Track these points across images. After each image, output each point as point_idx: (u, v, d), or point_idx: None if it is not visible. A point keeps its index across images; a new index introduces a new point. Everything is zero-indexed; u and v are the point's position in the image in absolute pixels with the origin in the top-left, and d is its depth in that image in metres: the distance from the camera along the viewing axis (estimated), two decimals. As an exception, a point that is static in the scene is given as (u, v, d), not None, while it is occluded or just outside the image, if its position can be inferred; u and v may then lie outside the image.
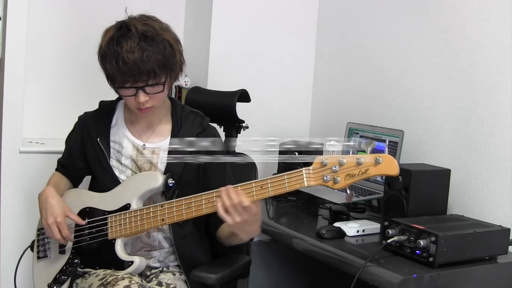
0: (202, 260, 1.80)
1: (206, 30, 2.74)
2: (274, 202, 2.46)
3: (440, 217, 1.95)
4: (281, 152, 2.52)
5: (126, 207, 1.73)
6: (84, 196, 1.83)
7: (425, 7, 2.35)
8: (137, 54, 1.62)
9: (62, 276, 1.79)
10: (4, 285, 2.31)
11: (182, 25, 2.92)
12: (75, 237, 1.78)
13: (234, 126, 2.36)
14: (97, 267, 1.74)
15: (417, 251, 1.68)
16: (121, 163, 1.80)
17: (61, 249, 1.83)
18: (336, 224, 2.00)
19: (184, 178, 1.77)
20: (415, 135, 2.35)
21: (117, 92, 1.77)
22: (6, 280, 2.30)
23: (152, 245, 1.78)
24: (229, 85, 2.49)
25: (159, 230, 1.78)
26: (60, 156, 1.97)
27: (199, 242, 1.83)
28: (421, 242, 1.66)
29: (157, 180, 1.73)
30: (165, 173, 1.75)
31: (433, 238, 1.65)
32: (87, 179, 1.94)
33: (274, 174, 2.63)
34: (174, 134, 1.81)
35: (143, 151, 1.80)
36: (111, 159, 1.79)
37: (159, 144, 1.81)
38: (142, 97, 1.68)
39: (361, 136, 2.47)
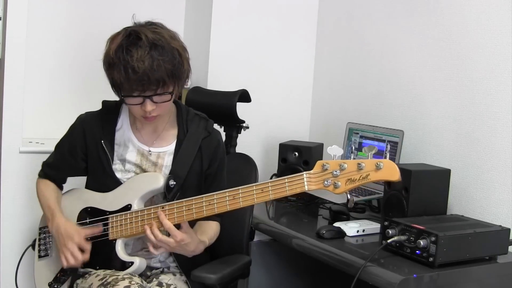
0: (200, 261, 1.79)
1: (206, 30, 2.74)
2: (274, 202, 2.46)
3: (440, 217, 1.95)
4: (280, 152, 2.52)
5: (127, 207, 1.73)
6: (86, 196, 1.83)
7: (425, 7, 2.35)
8: (148, 63, 1.59)
9: (63, 276, 1.79)
10: (5, 284, 2.31)
11: (182, 25, 2.92)
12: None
13: (235, 126, 2.36)
14: (98, 267, 1.74)
15: (417, 251, 1.68)
16: (124, 167, 1.79)
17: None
18: (336, 224, 2.00)
19: (188, 182, 1.77)
20: (415, 135, 2.35)
21: (122, 100, 1.75)
22: (7, 280, 2.30)
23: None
24: (229, 85, 2.49)
25: (160, 231, 1.78)
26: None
27: None
28: (421, 242, 1.66)
29: (159, 181, 1.73)
30: (170, 175, 1.75)
31: (433, 238, 1.65)
32: (80, 179, 1.93)
33: (274, 174, 2.66)
34: (180, 138, 1.80)
35: (149, 156, 1.80)
36: (114, 162, 1.79)
37: (164, 149, 1.80)
38: (149, 106, 1.66)
39: (361, 136, 2.47)
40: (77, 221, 1.80)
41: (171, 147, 1.80)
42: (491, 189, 2.05)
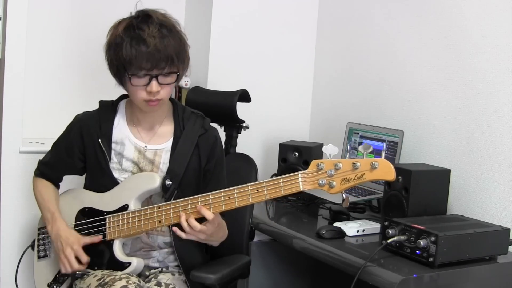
0: (201, 261, 1.80)
1: (206, 30, 2.74)
2: (274, 202, 2.46)
3: (440, 217, 1.95)
4: (280, 152, 2.52)
5: (124, 207, 1.73)
6: (83, 196, 1.83)
7: (425, 7, 2.35)
8: (158, 40, 1.63)
9: (62, 276, 1.79)
10: (5, 284, 2.31)
11: (182, 25, 2.91)
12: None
13: (235, 126, 2.36)
14: (96, 268, 1.74)
15: (417, 251, 1.68)
16: (121, 165, 1.79)
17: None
18: (336, 224, 2.00)
19: (186, 180, 1.77)
20: (415, 135, 2.35)
21: (123, 85, 1.73)
22: (7, 280, 2.30)
23: (152, 245, 1.78)
24: (229, 85, 2.49)
25: (158, 231, 1.78)
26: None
27: (199, 243, 1.83)
28: (421, 242, 1.66)
29: (155, 181, 1.73)
30: (166, 174, 1.75)
31: (433, 238, 1.65)
32: (78, 179, 1.93)
33: (274, 174, 2.66)
34: (177, 135, 1.80)
35: (145, 153, 1.80)
36: (111, 161, 1.79)
37: (161, 146, 1.80)
38: (155, 86, 1.66)
39: (361, 136, 2.47)
40: (75, 221, 1.80)
41: (168, 144, 1.80)
42: (491, 189, 2.05)
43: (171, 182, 1.73)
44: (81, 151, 1.83)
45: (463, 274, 1.70)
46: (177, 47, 1.68)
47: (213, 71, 2.73)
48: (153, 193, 1.76)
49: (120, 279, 1.59)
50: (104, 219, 1.75)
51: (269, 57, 2.87)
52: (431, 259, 1.65)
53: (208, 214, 1.60)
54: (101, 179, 1.79)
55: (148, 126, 1.82)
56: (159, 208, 1.68)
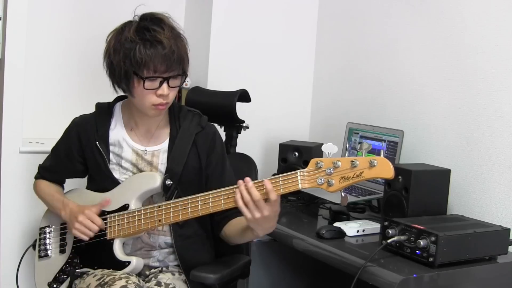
0: (204, 261, 1.79)
1: (206, 30, 2.74)
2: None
3: (440, 217, 1.95)
4: (280, 152, 2.52)
5: (125, 207, 1.73)
6: (85, 196, 1.83)
7: (425, 7, 2.35)
8: (173, 41, 1.64)
9: (62, 276, 1.80)
10: (6, 284, 2.31)
11: (182, 25, 2.92)
12: (75, 237, 1.78)
13: (234, 126, 2.36)
14: (96, 267, 1.74)
15: (417, 251, 1.68)
16: (121, 166, 1.79)
17: (62, 248, 1.84)
18: (336, 224, 2.00)
19: (185, 178, 1.77)
20: (415, 135, 2.35)
21: (129, 90, 1.69)
22: (7, 280, 2.30)
23: (152, 245, 1.78)
24: (229, 85, 2.49)
25: (159, 231, 1.78)
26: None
27: (203, 243, 1.83)
28: (421, 242, 1.66)
29: (156, 180, 1.73)
30: (165, 174, 1.75)
31: (433, 238, 1.65)
32: (80, 179, 1.94)
33: (274, 174, 2.65)
34: (173, 135, 1.81)
35: (144, 156, 1.80)
36: (110, 163, 1.79)
37: (158, 147, 1.80)
38: (166, 89, 1.66)
39: (361, 136, 2.47)
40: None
41: (165, 145, 1.80)
42: (491, 189, 2.05)
43: (171, 182, 1.73)
44: (80, 154, 1.84)
45: (463, 274, 1.70)
46: (185, 49, 1.70)
47: (213, 71, 2.73)
48: (154, 193, 1.76)
49: (120, 278, 1.59)
50: (105, 219, 1.75)
51: (269, 57, 2.87)
52: (431, 259, 1.65)
53: (273, 195, 1.51)
54: (102, 181, 1.79)
55: (145, 129, 1.82)
56: (159, 207, 1.68)
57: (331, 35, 2.89)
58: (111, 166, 1.78)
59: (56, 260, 1.83)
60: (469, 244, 1.72)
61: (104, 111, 1.84)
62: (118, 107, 1.85)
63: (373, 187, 2.34)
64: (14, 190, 2.34)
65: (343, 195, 1.54)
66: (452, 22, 2.23)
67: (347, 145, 2.52)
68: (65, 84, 2.67)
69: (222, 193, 1.59)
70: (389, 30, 2.53)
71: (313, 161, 1.50)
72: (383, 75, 2.55)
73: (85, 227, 1.71)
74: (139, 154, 1.80)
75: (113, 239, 1.73)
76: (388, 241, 1.74)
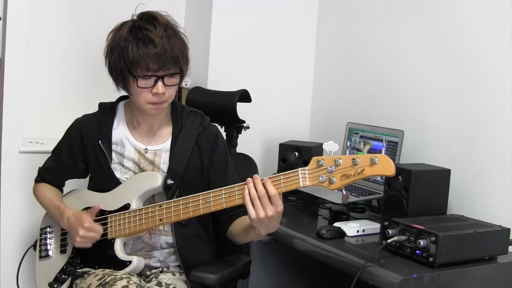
0: (205, 261, 1.79)
1: (206, 30, 2.74)
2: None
3: (440, 217, 1.95)
4: (280, 152, 2.52)
5: (126, 207, 1.73)
6: (86, 196, 1.84)
7: (425, 7, 2.35)
8: (165, 40, 1.64)
9: (63, 275, 1.80)
10: (6, 285, 2.31)
11: (182, 25, 2.91)
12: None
13: (235, 126, 2.36)
14: (97, 267, 1.74)
15: (417, 251, 1.68)
16: (123, 165, 1.79)
17: (62, 248, 1.84)
18: (336, 224, 2.00)
19: (187, 178, 1.77)
20: (415, 135, 2.35)
21: (126, 88, 1.72)
22: (8, 280, 2.30)
23: (153, 245, 1.78)
24: (229, 85, 2.49)
25: (161, 231, 1.78)
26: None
27: (205, 243, 1.83)
28: (421, 242, 1.66)
29: (157, 180, 1.73)
30: (167, 173, 1.75)
31: (433, 238, 1.65)
32: (81, 180, 1.94)
33: (274, 174, 2.65)
34: (175, 135, 1.81)
35: (145, 154, 1.80)
36: (112, 162, 1.79)
37: (160, 146, 1.81)
38: (161, 88, 1.66)
39: (361, 136, 2.47)
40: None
41: (167, 144, 1.80)
42: (491, 189, 2.05)
43: (172, 181, 1.73)
44: (82, 153, 1.84)
45: (463, 274, 1.70)
46: (182, 48, 1.69)
47: (213, 71, 2.73)
48: (155, 193, 1.76)
49: (121, 279, 1.59)
50: (106, 218, 1.75)
51: (269, 57, 2.87)
52: (431, 259, 1.65)
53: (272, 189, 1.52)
54: (103, 180, 1.79)
55: (148, 127, 1.82)
56: (160, 206, 1.68)
57: (331, 35, 2.89)
58: (113, 166, 1.79)
59: (57, 260, 1.83)
60: (469, 244, 1.72)
61: (106, 111, 1.85)
62: (120, 106, 1.86)
63: (373, 187, 2.34)
64: (14, 190, 2.34)
65: (344, 193, 1.54)
66: (452, 22, 2.23)
67: (347, 145, 2.52)
68: (65, 84, 2.66)
69: (223, 192, 1.59)
70: (389, 30, 2.53)
71: (314, 159, 1.51)
72: (383, 75, 2.55)
73: (87, 239, 1.72)
74: (141, 153, 1.80)
75: (114, 239, 1.73)
76: (388, 241, 1.74)
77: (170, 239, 1.78)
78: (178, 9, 2.91)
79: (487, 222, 1.92)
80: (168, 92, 1.70)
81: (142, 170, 1.79)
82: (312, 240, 1.91)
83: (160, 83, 1.66)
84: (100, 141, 1.79)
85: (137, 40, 1.63)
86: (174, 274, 1.76)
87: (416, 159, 2.32)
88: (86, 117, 1.86)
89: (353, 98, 2.73)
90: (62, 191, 1.94)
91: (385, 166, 1.44)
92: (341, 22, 2.82)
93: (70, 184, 1.96)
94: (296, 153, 2.47)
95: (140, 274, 1.74)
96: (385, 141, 2.33)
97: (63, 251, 1.84)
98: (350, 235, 1.96)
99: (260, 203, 1.52)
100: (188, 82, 2.73)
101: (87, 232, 1.71)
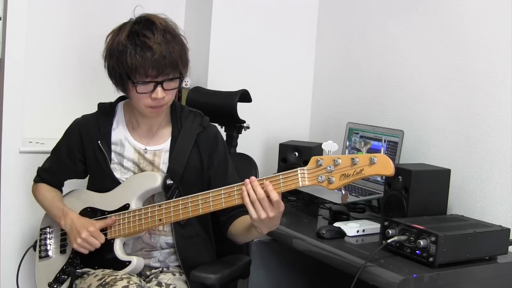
0: (205, 261, 1.79)
1: (206, 30, 2.74)
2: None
3: (440, 217, 1.95)
4: (280, 152, 2.52)
5: (126, 207, 1.73)
6: (86, 196, 1.84)
7: (425, 7, 2.35)
8: (164, 46, 1.63)
9: (63, 276, 1.80)
10: (6, 285, 2.31)
11: (182, 25, 2.92)
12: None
13: (235, 126, 2.36)
14: (96, 267, 1.74)
15: (417, 251, 1.68)
16: (122, 166, 1.79)
17: (62, 248, 1.84)
18: (336, 224, 2.00)
19: (187, 178, 1.77)
20: (415, 135, 2.35)
21: (126, 92, 1.73)
22: (8, 280, 2.30)
23: (153, 245, 1.78)
24: (229, 85, 2.49)
25: (160, 231, 1.78)
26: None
27: (205, 243, 1.83)
28: (421, 242, 1.66)
29: (156, 180, 1.73)
30: (166, 174, 1.75)
31: (433, 238, 1.65)
32: (81, 180, 1.94)
33: (274, 174, 2.65)
34: (175, 135, 1.81)
35: (145, 154, 1.80)
36: (112, 162, 1.79)
37: (160, 147, 1.81)
38: (160, 92, 1.66)
39: (361, 136, 2.47)
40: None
41: (166, 144, 1.80)
42: (491, 189, 2.05)
43: (172, 182, 1.73)
44: (81, 153, 1.84)
45: (463, 274, 1.70)
46: (181, 52, 1.68)
47: (213, 71, 2.73)
48: (155, 193, 1.76)
49: (121, 279, 1.59)
50: (106, 219, 1.75)
51: (269, 57, 2.87)
52: (431, 259, 1.65)
53: (274, 195, 1.51)
54: (102, 180, 1.79)
55: (147, 128, 1.82)
56: (159, 206, 1.68)
57: (331, 35, 2.89)
58: (112, 166, 1.79)
59: (57, 260, 1.83)
60: (469, 244, 1.72)
61: (106, 111, 1.85)
62: (120, 106, 1.86)
63: (373, 187, 2.34)
64: (14, 190, 2.34)
65: (343, 192, 1.54)
66: (452, 22, 2.23)
67: (347, 145, 2.52)
68: (65, 84, 2.66)
69: (222, 192, 1.59)
70: (389, 30, 2.53)
71: (313, 158, 1.51)
72: (383, 75, 2.55)
73: (88, 243, 1.72)
74: (141, 153, 1.80)
75: (113, 239, 1.73)
76: (388, 241, 1.74)
77: (170, 239, 1.78)
78: (178, 9, 2.91)
79: (487, 222, 1.92)
80: (168, 96, 1.70)
81: (141, 170, 1.79)
82: (312, 240, 1.91)
83: (159, 88, 1.66)
84: (99, 142, 1.79)
85: (135, 46, 1.62)
86: (174, 274, 1.76)
87: (416, 159, 2.32)
88: (85, 118, 1.86)
89: (353, 98, 2.73)
90: (61, 191, 1.94)
91: (384, 166, 1.44)
92: (341, 22, 2.82)
93: (69, 184, 1.96)
94: (296, 153, 2.47)
95: (140, 274, 1.74)
96: (385, 141, 2.33)
97: (63, 252, 1.84)
98: (350, 235, 1.96)
99: (260, 205, 1.52)
100: (188, 82, 2.73)
101: (89, 237, 1.71)
